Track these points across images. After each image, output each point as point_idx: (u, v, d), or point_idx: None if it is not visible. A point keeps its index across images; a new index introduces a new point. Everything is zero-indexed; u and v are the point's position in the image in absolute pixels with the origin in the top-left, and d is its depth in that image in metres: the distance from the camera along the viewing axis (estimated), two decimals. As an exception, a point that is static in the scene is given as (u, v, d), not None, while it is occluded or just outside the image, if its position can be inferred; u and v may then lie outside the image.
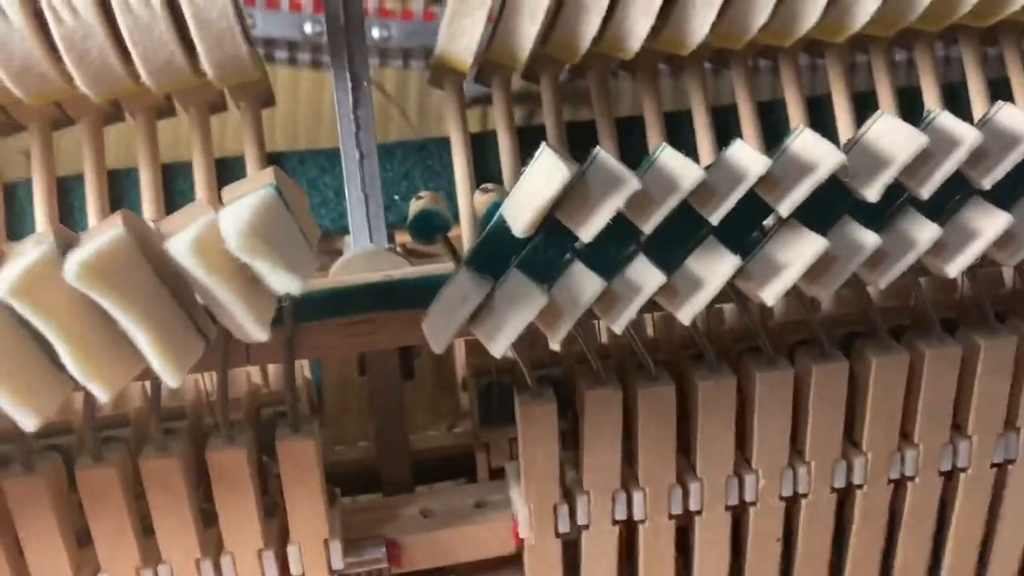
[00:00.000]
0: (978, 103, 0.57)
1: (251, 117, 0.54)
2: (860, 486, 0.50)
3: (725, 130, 0.58)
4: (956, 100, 0.59)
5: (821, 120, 0.59)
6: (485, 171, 0.57)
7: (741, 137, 0.47)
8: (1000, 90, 0.58)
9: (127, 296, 0.33)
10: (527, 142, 0.56)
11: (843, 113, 0.59)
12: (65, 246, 0.35)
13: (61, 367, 0.34)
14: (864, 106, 0.59)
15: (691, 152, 0.49)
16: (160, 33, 0.43)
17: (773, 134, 0.58)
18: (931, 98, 0.58)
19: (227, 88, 0.51)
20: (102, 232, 0.35)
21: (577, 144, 0.57)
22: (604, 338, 0.54)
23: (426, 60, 0.70)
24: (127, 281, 0.34)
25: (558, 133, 0.57)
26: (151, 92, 0.48)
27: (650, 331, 0.54)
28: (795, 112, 0.58)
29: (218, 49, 0.43)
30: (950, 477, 0.51)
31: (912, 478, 0.50)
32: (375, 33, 0.83)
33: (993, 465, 0.51)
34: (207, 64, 0.45)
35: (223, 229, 0.34)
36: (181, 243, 0.34)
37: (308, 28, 0.81)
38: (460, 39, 0.47)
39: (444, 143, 0.57)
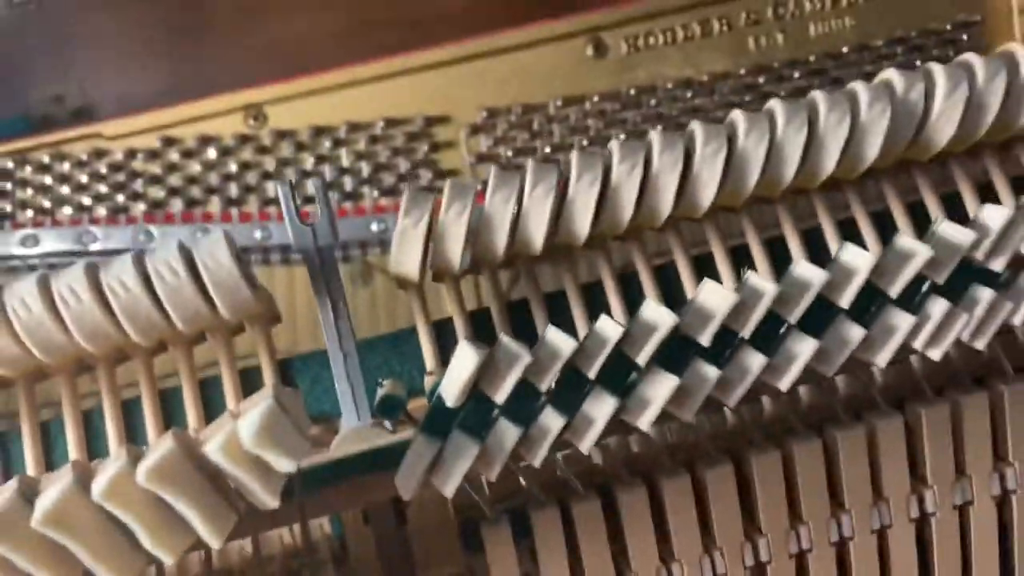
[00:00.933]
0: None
1: (261, 335, 0.70)
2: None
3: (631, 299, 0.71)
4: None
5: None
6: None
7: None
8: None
9: (179, 488, 0.49)
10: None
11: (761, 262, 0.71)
12: (135, 458, 0.50)
13: (137, 544, 0.49)
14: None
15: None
16: (187, 293, 0.59)
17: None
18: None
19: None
20: (160, 445, 0.51)
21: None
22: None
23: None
24: (179, 478, 0.49)
25: (501, 311, 0.72)
26: (185, 333, 0.64)
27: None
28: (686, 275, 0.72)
29: (228, 298, 0.59)
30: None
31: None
32: (374, 227, 1.02)
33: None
34: (222, 309, 0.61)
35: (241, 436, 0.49)
36: (214, 447, 0.49)
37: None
38: (406, 262, 0.63)
39: (414, 332, 0.73)
